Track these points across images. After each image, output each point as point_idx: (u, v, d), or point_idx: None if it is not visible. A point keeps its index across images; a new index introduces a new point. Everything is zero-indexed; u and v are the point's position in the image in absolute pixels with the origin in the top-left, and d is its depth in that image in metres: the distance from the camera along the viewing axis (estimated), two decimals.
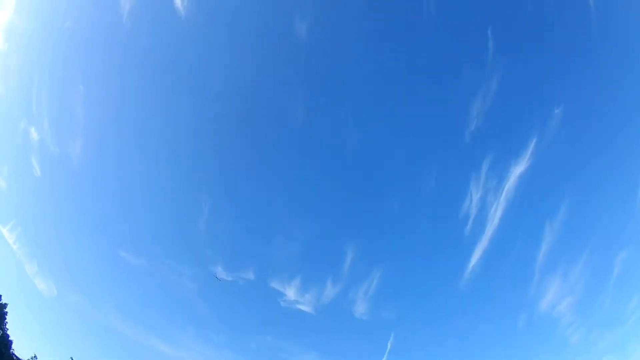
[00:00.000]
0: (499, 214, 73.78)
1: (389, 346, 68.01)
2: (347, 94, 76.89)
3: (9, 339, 39.48)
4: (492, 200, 74.05)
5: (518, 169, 73.40)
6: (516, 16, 73.58)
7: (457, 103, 76.46)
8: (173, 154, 74.98)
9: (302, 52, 72.90)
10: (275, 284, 72.54)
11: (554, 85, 75.44)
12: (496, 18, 72.62)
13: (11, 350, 39.35)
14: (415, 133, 79.29)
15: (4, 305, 39.25)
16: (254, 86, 73.74)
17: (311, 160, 78.81)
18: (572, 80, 75.86)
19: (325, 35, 72.68)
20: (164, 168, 75.16)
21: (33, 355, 42.16)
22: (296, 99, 75.19)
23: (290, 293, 71.47)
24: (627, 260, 72.80)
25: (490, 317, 78.07)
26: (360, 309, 74.45)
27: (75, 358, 46.40)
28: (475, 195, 74.17)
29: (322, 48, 74.14)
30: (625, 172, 75.57)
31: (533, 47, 75.35)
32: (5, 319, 39.25)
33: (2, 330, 39.00)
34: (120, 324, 70.62)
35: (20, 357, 40.76)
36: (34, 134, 65.83)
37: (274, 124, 75.85)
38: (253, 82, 73.58)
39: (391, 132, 78.70)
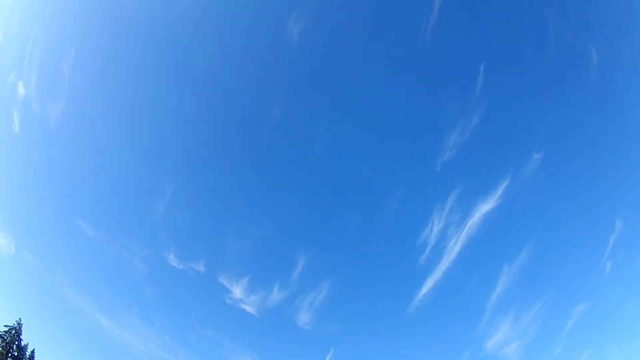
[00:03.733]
0: (457, 247, 73.83)
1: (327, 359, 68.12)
2: (327, 103, 76.58)
3: None
4: (452, 234, 74.07)
5: (485, 207, 73.61)
6: (512, 58, 74.07)
7: (435, 131, 77.18)
8: (146, 135, 74.28)
9: (291, 55, 72.25)
10: (223, 280, 72.51)
11: (537, 131, 75.52)
12: (491, 55, 73.23)
13: None
14: (388, 153, 79.19)
15: None
16: (233, 82, 73.34)
17: (280, 163, 78.46)
18: (557, 128, 76.33)
19: (316, 41, 72.29)
20: (134, 147, 74.62)
21: None
22: (275, 100, 74.78)
23: (237, 291, 71.51)
24: (585, 313, 73.24)
25: (434, 348, 77.12)
26: (304, 318, 74.45)
27: (22, 319, 47.19)
28: (436, 226, 74.18)
29: (312, 54, 73.71)
30: (595, 227, 76.32)
31: (523, 90, 75.81)
32: None
33: None
34: (69, 292, 70.66)
35: None
36: (21, 89, 65.63)
37: (248, 121, 75.06)
38: (233, 78, 73.36)
39: (364, 148, 78.81)
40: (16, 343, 46.02)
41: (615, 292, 72.98)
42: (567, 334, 73.28)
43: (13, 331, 46.26)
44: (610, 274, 72.36)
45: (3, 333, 45.82)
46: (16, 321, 46.83)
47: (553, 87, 75.42)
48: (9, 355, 44.85)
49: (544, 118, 76.17)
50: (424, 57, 74.84)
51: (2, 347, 44.45)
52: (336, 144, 77.27)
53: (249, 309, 71.47)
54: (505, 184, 73.32)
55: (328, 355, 67.65)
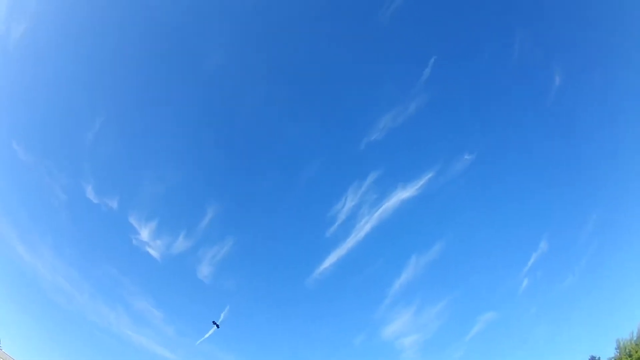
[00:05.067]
0: (367, 228, 72.21)
1: (221, 317, 66.96)
2: (265, 60, 77.84)
3: None
4: (365, 213, 72.49)
5: (403, 194, 71.94)
6: (467, 59, 77.73)
7: (368, 110, 77.12)
8: (85, 67, 73.19)
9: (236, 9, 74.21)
10: (133, 220, 71.63)
11: (475, 133, 77.19)
12: (445, 51, 75.91)
13: None
14: (316, 123, 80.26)
15: None
16: (172, 29, 73.56)
17: (208, 115, 78.30)
18: (497, 136, 78.21)
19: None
20: (73, 76, 73.42)
21: None
22: (214, 52, 75.49)
23: (144, 234, 70.37)
24: (492, 323, 70.75)
25: (329, 324, 76.61)
26: (205, 271, 73.27)
27: None
28: (350, 202, 72.60)
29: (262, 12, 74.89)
30: (519, 241, 77.02)
31: (470, 92, 77.72)
32: None
33: None
34: None
35: None
36: None
37: (186, 70, 75.83)
38: (172, 25, 73.17)
39: (293, 114, 79.78)
40: None
41: (529, 310, 72.17)
42: (470, 339, 70.55)
43: None
44: (525, 291, 70.71)
45: None
46: None
47: (504, 98, 77.44)
48: None
49: (486, 123, 77.83)
50: (377, 38, 76.60)
51: None
52: (267, 104, 78.42)
53: (153, 252, 70.75)
54: (429, 176, 72.15)
55: (223, 312, 66.46)
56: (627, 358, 41.78)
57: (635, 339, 41.36)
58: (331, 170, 79.26)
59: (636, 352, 41.08)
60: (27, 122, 71.63)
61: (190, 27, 73.68)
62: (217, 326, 61.36)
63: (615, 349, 44.34)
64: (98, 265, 72.59)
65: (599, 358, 46.10)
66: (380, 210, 71.96)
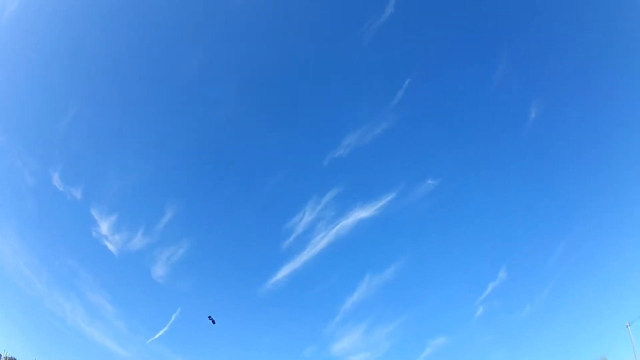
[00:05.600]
0: (323, 243, 71.76)
1: (172, 318, 66.56)
2: (238, 65, 78.06)
3: None
4: (322, 229, 72.23)
5: (361, 214, 71.84)
6: (443, 84, 76.79)
7: (335, 127, 77.82)
8: (66, 52, 73.56)
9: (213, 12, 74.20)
10: (94, 212, 70.45)
11: (441, 159, 76.35)
12: (421, 75, 76.01)
13: None
14: (281, 134, 79.51)
15: None
16: (151, 31, 74.13)
17: (180, 115, 78.27)
18: (462, 164, 77.14)
19: None
20: (53, 60, 73.77)
21: None
22: (193, 55, 75.75)
23: (104, 227, 69.50)
24: (443, 348, 67.48)
25: (279, 333, 74.81)
26: (159, 271, 71.45)
27: None
28: (307, 216, 72.72)
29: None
30: (476, 268, 74.33)
31: (442, 118, 77.56)
32: None
33: None
34: None
35: None
36: None
37: (167, 69, 75.98)
38: (152, 28, 73.81)
39: (259, 122, 78.71)
40: None
41: (484, 336, 69.34)
42: None
43: None
44: (480, 318, 68.49)
45: None
46: None
47: (476, 127, 77.20)
48: None
49: (453, 150, 77.27)
50: (355, 56, 76.68)
51: None
52: (236, 111, 78.03)
53: (111, 247, 69.91)
54: (390, 197, 71.95)
55: (174, 314, 66.76)
56: None
57: None
58: (292, 182, 78.81)
59: None
60: (5, 105, 72.11)
61: (171, 28, 73.93)
62: (213, 321, 59.07)
63: None
64: (58, 254, 71.59)
65: None
66: (338, 227, 71.43)
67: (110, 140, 77.91)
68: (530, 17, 75.61)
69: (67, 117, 73.31)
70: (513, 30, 76.64)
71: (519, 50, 76.52)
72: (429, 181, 73.13)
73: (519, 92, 75.86)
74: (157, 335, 65.95)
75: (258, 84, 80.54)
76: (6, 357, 42.91)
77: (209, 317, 59.40)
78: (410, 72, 76.48)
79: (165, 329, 65.84)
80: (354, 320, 71.47)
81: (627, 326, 38.95)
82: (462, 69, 78.00)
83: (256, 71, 79.72)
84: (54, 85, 75.18)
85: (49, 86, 74.91)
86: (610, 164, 72.11)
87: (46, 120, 74.92)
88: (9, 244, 67.77)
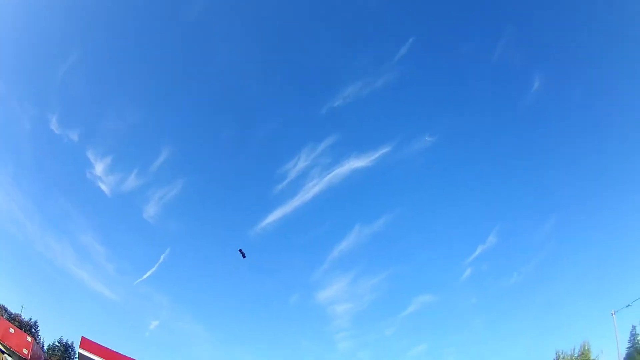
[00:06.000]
0: (315, 190, 70.46)
1: (161, 259, 66.71)
2: (246, 15, 76.31)
3: None
4: (315, 175, 70.81)
5: (356, 163, 70.04)
6: (439, 37, 75.71)
7: (334, 77, 76.71)
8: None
9: None
10: (90, 154, 69.98)
11: (439, 117, 75.79)
12: (424, 33, 75.01)
13: None
14: (282, 80, 79.16)
15: None
16: None
17: (180, 57, 77.50)
18: (460, 121, 76.49)
19: None
20: (55, 7, 71.33)
21: None
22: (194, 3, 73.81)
23: (99, 168, 68.75)
24: (428, 305, 69.01)
25: (266, 278, 76.23)
26: (151, 210, 71.88)
27: None
28: (302, 162, 70.85)
29: None
30: (468, 230, 75.14)
31: (446, 77, 77.21)
32: None
33: None
34: None
35: None
36: None
37: (166, 15, 74.51)
38: None
39: (260, 69, 78.40)
40: None
41: (469, 299, 69.34)
42: (404, 317, 68.90)
43: None
44: (467, 280, 68.23)
45: None
46: None
47: (478, 91, 75.33)
48: None
49: (454, 110, 75.89)
50: (361, 9, 73.85)
51: None
52: (236, 57, 76.61)
53: (104, 188, 69.76)
54: (386, 150, 70.01)
55: (163, 254, 66.61)
56: None
57: (576, 355, 36.30)
58: (288, 128, 78.50)
59: None
60: (4, 52, 68.03)
61: None
62: (244, 255, 59.74)
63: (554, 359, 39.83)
64: (52, 197, 71.49)
65: None
66: (331, 175, 69.90)
67: (109, 85, 77.11)
68: None
69: (67, 63, 71.06)
70: (517, 2, 71.95)
71: (525, 23, 72.64)
72: (427, 137, 71.37)
73: (523, 62, 73.52)
74: (145, 276, 65.45)
75: (258, 30, 77.86)
76: None
77: (240, 250, 59.42)
78: (415, 30, 75.14)
79: (154, 269, 65.15)
80: (340, 270, 73.12)
81: (612, 314, 36.23)
82: (468, 34, 75.86)
83: (257, 17, 76.03)
84: (54, 31, 71.84)
85: (49, 33, 71.51)
86: (610, 146, 69.18)
87: (45, 66, 72.18)
88: (5, 190, 64.91)
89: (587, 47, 70.37)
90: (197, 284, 74.93)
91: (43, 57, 71.98)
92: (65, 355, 45.72)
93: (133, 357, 27.70)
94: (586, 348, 36.92)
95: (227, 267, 71.45)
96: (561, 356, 37.88)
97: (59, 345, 46.21)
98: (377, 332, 70.04)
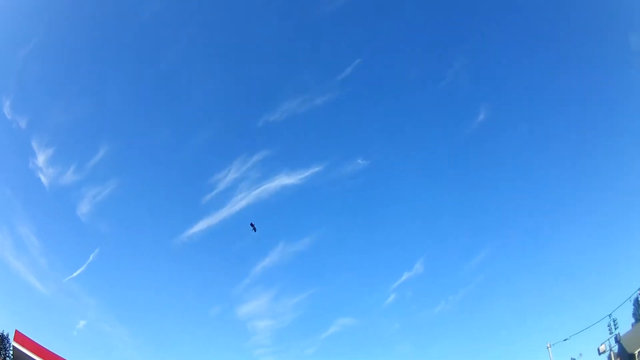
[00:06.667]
0: (243, 203, 72.04)
1: (90, 258, 68.02)
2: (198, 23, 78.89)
3: None
4: (244, 189, 72.45)
5: (286, 180, 72.01)
6: (386, 60, 78.20)
7: (274, 89, 79.42)
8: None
9: None
10: (34, 143, 69.94)
11: (373, 139, 78.45)
12: (370, 52, 77.23)
13: None
14: (219, 90, 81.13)
15: None
16: None
17: (134, 55, 79.08)
18: (394, 142, 79.72)
19: None
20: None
21: None
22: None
23: (41, 159, 68.47)
24: (349, 328, 71.52)
25: (187, 287, 77.69)
26: (84, 208, 72.84)
27: None
28: (232, 174, 72.63)
29: None
30: (396, 255, 77.90)
31: (383, 100, 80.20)
32: None
33: None
34: None
35: None
36: None
37: (122, 15, 76.24)
38: None
39: (202, 75, 79.65)
40: None
41: (392, 325, 72.15)
42: (325, 338, 71.37)
43: None
44: (390, 306, 71.05)
45: None
46: None
47: (419, 117, 78.75)
48: None
49: (390, 135, 79.38)
50: (308, 28, 76.94)
51: None
52: (182, 57, 78.65)
53: (44, 179, 70.21)
54: (317, 169, 72.58)
55: (93, 254, 68.19)
56: None
57: None
58: (223, 138, 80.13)
59: None
60: None
61: None
62: (254, 229, 58.08)
63: None
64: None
65: None
66: (261, 189, 71.24)
67: (63, 75, 76.62)
68: (491, 22, 77.31)
69: (28, 47, 70.65)
70: (472, 32, 78.06)
71: (476, 53, 77.10)
72: (359, 160, 74.64)
73: (470, 91, 77.05)
74: (74, 274, 65.37)
75: (204, 37, 79.99)
76: None
77: (251, 224, 58.25)
78: (362, 52, 77.21)
79: (82, 268, 65.36)
80: (262, 285, 74.01)
81: (548, 347, 38.28)
82: (417, 60, 78.69)
83: (205, 24, 78.19)
84: (17, 15, 69.85)
85: (12, 15, 69.42)
86: (548, 181, 73.97)
87: (5, 49, 70.03)
88: None
89: (536, 82, 74.85)
90: (123, 287, 74.82)
91: (4, 37, 70.11)
92: (1, 347, 43.40)
93: (63, 357, 26.84)
94: None
95: (152, 274, 74.12)
96: None
97: None
98: (297, 350, 71.26)
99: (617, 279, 58.11)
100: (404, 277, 70.73)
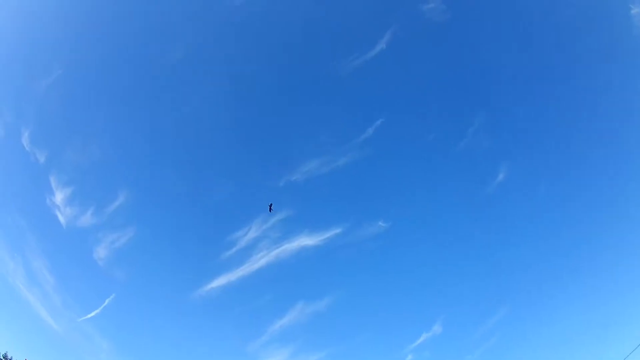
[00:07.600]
0: (262, 262, 73.60)
1: (106, 302, 69.13)
2: (221, 76, 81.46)
3: None
4: (264, 247, 73.84)
5: (306, 241, 73.45)
6: (407, 120, 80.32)
7: (297, 149, 79.65)
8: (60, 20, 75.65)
9: None
10: (53, 180, 72.76)
11: (395, 201, 79.14)
12: (393, 112, 78.89)
13: None
14: (242, 149, 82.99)
15: None
16: None
17: (159, 103, 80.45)
18: (414, 204, 78.85)
19: None
20: (46, 25, 75.26)
21: None
22: (177, 41, 78.38)
23: (59, 197, 71.36)
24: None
25: (204, 342, 75.46)
26: (101, 253, 73.96)
27: None
28: (253, 233, 74.24)
29: None
30: (413, 317, 75.71)
31: (404, 161, 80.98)
32: None
33: None
34: None
35: None
36: None
37: (151, 60, 78.81)
38: None
39: (227, 132, 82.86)
40: None
41: None
42: None
43: None
44: None
45: None
46: None
47: (440, 178, 78.90)
48: None
49: (411, 197, 79.12)
50: (332, 83, 78.80)
51: None
52: (207, 111, 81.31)
53: (61, 218, 71.07)
54: (337, 231, 73.54)
55: (108, 299, 68.05)
56: None
57: None
58: (245, 196, 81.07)
59: None
60: None
61: (156, 18, 76.19)
62: (271, 209, 62.03)
63: None
64: (10, 213, 72.83)
65: None
66: (280, 249, 73.10)
67: (85, 110, 79.02)
68: (513, 83, 77.58)
69: (50, 78, 74.27)
70: (493, 92, 78.83)
71: (496, 112, 78.05)
72: (380, 223, 74.83)
73: (490, 152, 77.29)
74: (89, 315, 66.87)
75: (231, 92, 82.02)
76: None
77: (270, 205, 60.97)
78: (384, 112, 78.53)
79: (98, 311, 66.93)
80: (279, 344, 71.79)
81: None
82: (437, 119, 79.75)
83: (232, 78, 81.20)
84: (42, 44, 74.95)
85: (37, 44, 74.64)
86: (566, 243, 72.34)
87: (28, 77, 74.62)
88: None
89: (557, 143, 75.78)
90: (137, 334, 74.31)
91: (28, 66, 73.98)
92: None
93: None
94: None
95: (168, 326, 73.53)
96: None
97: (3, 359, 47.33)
98: None
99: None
100: (421, 339, 69.19)
